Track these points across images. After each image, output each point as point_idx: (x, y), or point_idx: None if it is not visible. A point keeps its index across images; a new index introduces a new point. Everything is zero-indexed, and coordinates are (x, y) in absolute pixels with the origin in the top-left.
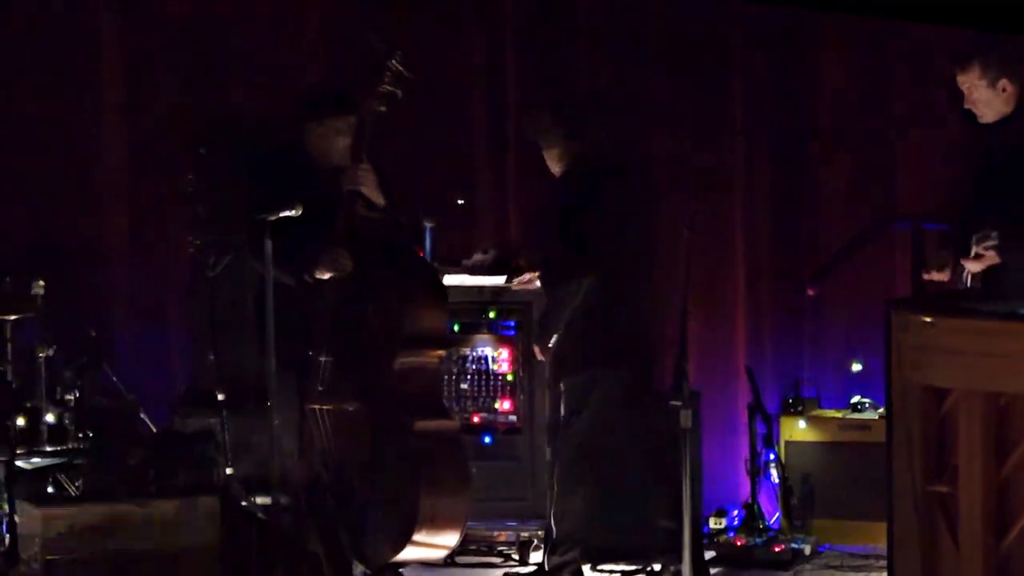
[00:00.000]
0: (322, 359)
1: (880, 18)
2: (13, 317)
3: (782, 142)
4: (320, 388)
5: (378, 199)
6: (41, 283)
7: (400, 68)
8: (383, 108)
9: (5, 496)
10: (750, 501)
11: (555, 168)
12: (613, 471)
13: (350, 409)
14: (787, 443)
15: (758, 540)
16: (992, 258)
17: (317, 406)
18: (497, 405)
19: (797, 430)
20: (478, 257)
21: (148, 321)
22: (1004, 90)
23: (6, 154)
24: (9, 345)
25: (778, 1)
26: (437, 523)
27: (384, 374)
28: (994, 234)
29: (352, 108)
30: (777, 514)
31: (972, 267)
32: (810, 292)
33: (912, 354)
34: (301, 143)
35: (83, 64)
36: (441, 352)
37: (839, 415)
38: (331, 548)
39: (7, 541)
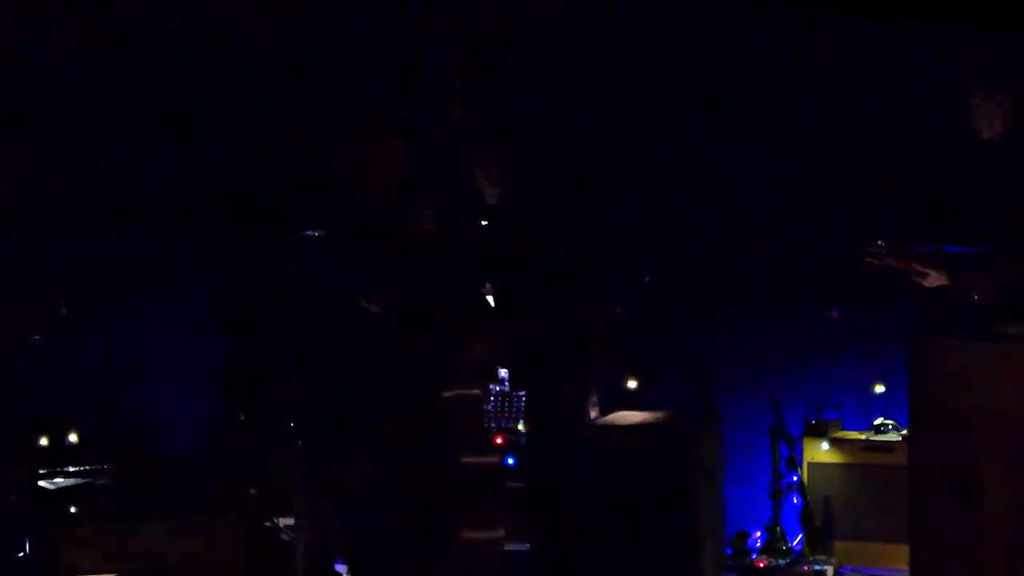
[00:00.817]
0: (369, 383)
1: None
2: (38, 337)
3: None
4: (364, 411)
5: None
6: (66, 303)
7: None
8: (444, 131)
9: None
10: (772, 523)
11: (490, 192)
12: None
13: (395, 434)
14: (810, 465)
15: (780, 562)
16: (939, 278)
17: (360, 428)
18: (520, 427)
19: (820, 452)
20: None
21: (176, 342)
22: (1001, 105)
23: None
24: (36, 364)
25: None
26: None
27: (433, 403)
28: (880, 243)
29: (410, 130)
30: (799, 536)
31: (926, 283)
32: (833, 314)
33: (935, 377)
34: (342, 159)
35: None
36: (487, 384)
37: (862, 437)
38: (358, 572)
39: (30, 560)
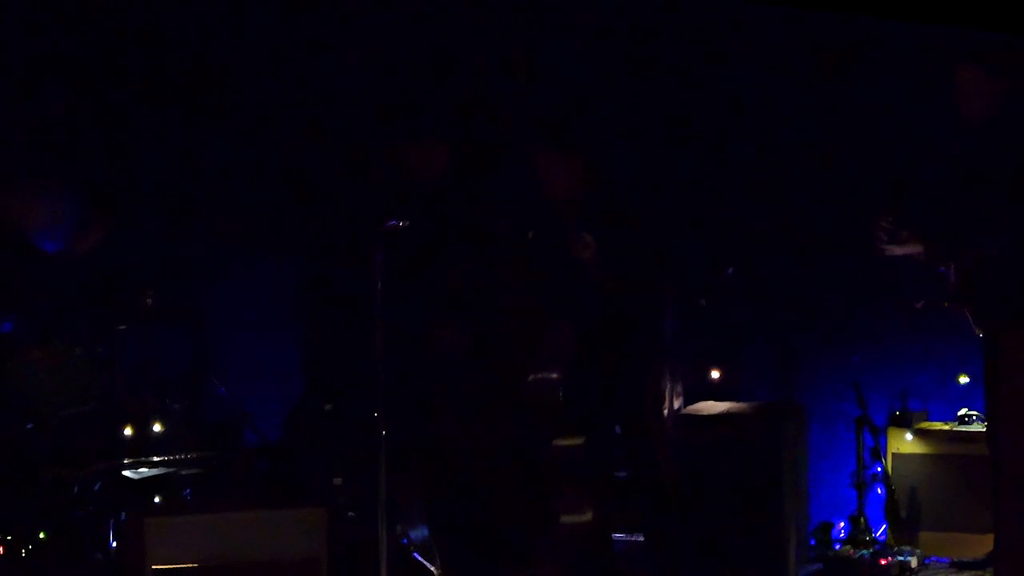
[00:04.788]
0: (452, 372)
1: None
2: (123, 327)
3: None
4: (448, 398)
5: None
6: (151, 294)
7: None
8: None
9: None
10: (857, 514)
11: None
12: None
13: (481, 421)
14: (894, 455)
15: (865, 553)
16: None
17: (444, 416)
18: None
19: (904, 443)
20: None
21: (259, 332)
22: (988, 85)
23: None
24: (118, 354)
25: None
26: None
27: (518, 388)
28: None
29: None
30: (884, 527)
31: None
32: (917, 305)
33: (1017, 369)
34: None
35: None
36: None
37: (947, 427)
38: (451, 563)
39: (114, 550)
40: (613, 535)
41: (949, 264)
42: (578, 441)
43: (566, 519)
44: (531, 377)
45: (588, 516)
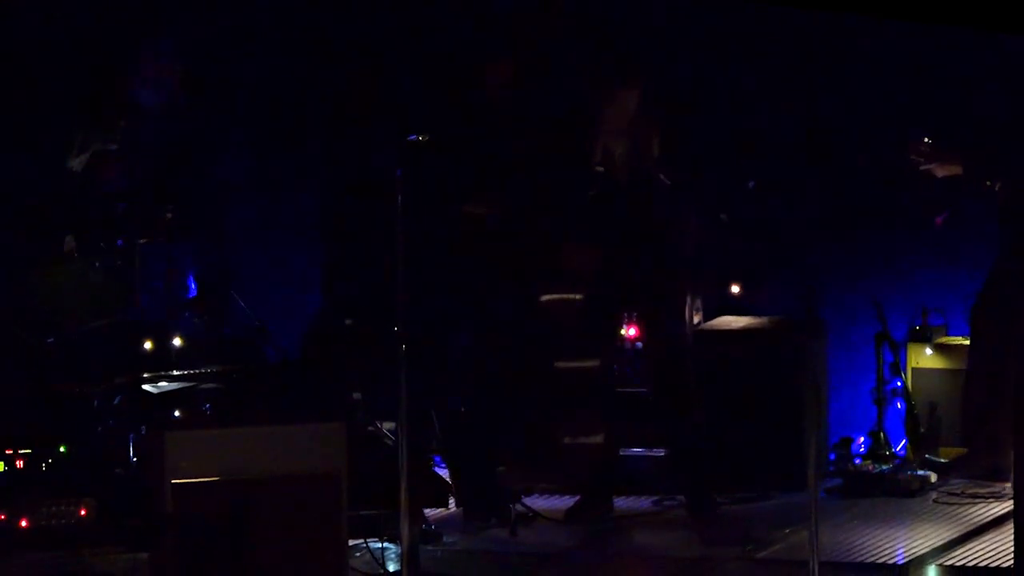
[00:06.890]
0: (472, 287)
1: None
2: (143, 241)
3: None
4: (467, 315)
5: None
6: (171, 209)
7: None
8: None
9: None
10: (876, 429)
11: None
12: None
13: (497, 339)
14: (914, 370)
15: (884, 468)
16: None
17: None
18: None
19: (924, 357)
20: None
21: (279, 247)
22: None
23: None
24: (139, 269)
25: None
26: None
27: (526, 308)
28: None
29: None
30: (903, 442)
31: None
32: (937, 221)
33: None
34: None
35: None
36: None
37: (966, 342)
38: (463, 473)
39: (133, 465)
40: (632, 450)
41: (994, 182)
42: (592, 363)
43: (574, 439)
44: (548, 296)
45: (599, 436)
